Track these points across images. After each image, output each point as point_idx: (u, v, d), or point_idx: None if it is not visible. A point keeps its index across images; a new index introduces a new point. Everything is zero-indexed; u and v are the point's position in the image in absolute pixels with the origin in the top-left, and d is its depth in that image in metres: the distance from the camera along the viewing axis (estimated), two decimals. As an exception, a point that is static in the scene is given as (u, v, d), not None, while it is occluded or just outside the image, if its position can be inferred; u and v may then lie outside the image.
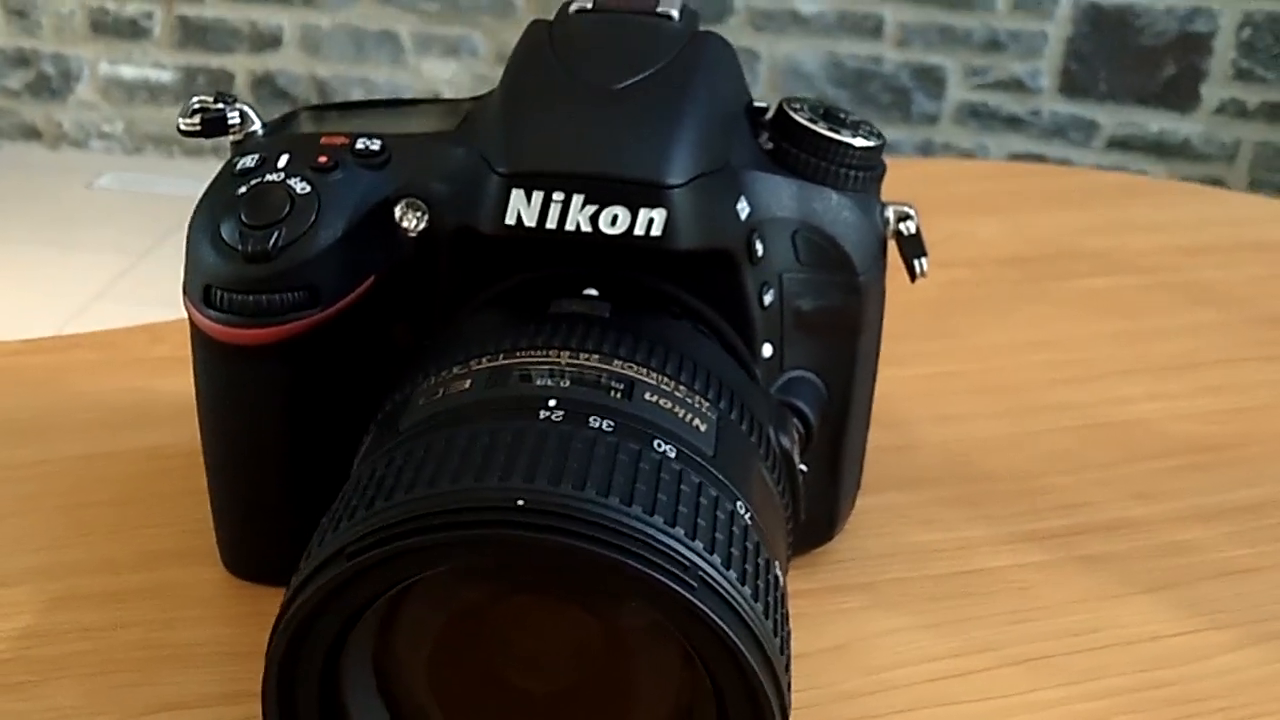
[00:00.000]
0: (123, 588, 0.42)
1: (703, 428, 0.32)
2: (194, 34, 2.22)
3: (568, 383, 0.32)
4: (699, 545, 0.28)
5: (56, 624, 0.41)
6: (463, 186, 0.37)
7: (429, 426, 0.31)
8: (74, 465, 0.48)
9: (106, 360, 0.54)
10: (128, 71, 2.26)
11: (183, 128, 0.40)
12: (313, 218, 0.37)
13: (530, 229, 0.36)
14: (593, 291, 0.37)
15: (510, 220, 0.36)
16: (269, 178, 0.38)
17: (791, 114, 0.40)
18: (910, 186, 0.73)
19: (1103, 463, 0.51)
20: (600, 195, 0.35)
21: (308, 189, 0.37)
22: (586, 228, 0.35)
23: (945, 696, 0.40)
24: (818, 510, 0.42)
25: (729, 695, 0.29)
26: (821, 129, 0.39)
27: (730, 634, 0.28)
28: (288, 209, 0.37)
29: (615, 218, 0.35)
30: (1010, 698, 0.40)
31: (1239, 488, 0.50)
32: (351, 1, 2.19)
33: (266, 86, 2.25)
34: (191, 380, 0.40)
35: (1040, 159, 2.13)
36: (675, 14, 0.39)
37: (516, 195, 0.36)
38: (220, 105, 0.40)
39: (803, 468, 0.38)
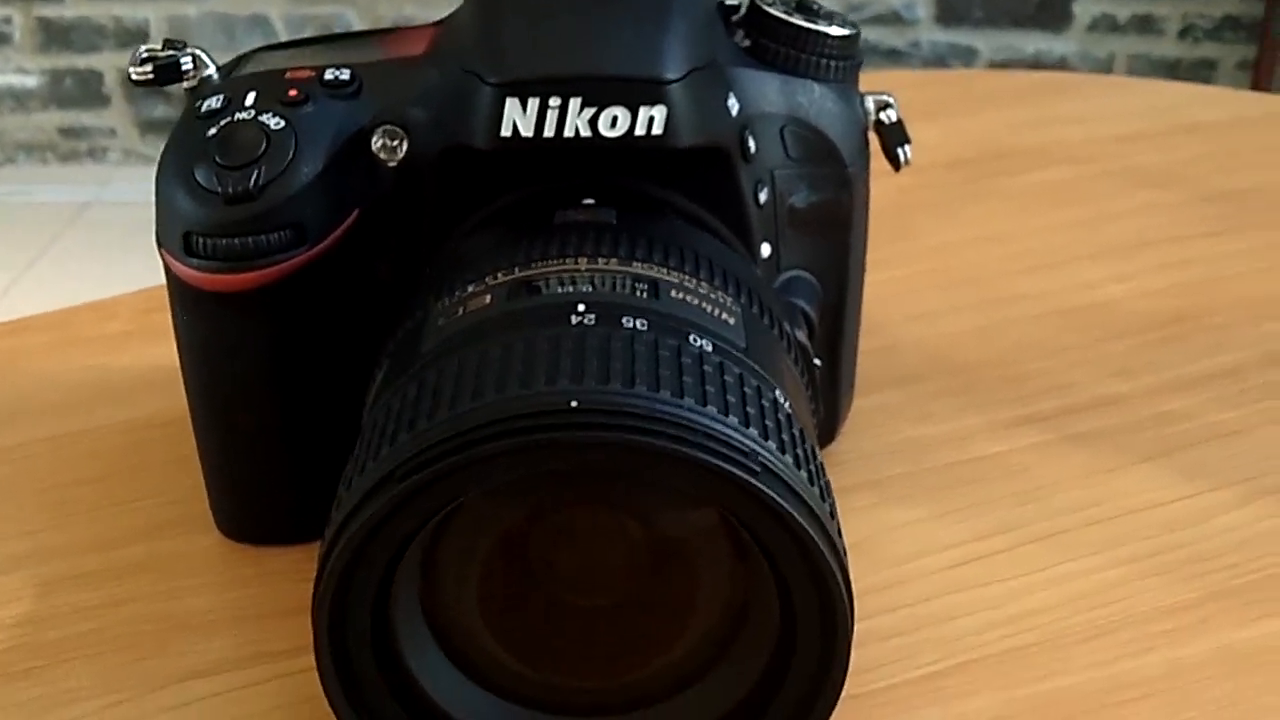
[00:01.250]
0: (118, 564, 0.41)
1: (731, 321, 0.32)
2: (57, 35, 2.14)
3: (590, 287, 0.31)
4: (754, 433, 0.28)
5: (55, 607, 0.39)
6: (446, 106, 0.36)
7: (456, 344, 0.30)
8: (47, 447, 0.46)
9: (60, 340, 0.51)
10: (-8, 79, 2.18)
11: (134, 77, 0.38)
12: (291, 153, 0.36)
13: (527, 139, 0.35)
14: (590, 201, 0.36)
15: (506, 132, 0.35)
16: (239, 116, 0.36)
17: (766, 9, 0.39)
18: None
19: (1077, 345, 0.51)
20: (598, 96, 0.34)
21: (281, 124, 0.36)
22: (586, 132, 0.35)
23: (970, 580, 0.40)
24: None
25: (794, 583, 0.29)
26: (799, 20, 0.39)
27: (797, 518, 0.28)
28: (264, 146, 0.36)
29: (615, 119, 0.34)
30: (1033, 574, 0.40)
31: (1212, 355, 0.50)
32: (217, -13, 2.13)
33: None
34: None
35: (924, 89, 2.15)
36: None
37: (511, 104, 0.34)
38: (170, 52, 0.39)
39: (817, 362, 0.37)
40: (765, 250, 0.39)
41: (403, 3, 2.13)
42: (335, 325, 0.38)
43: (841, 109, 0.40)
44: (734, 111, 0.37)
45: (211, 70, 0.39)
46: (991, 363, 0.50)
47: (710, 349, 0.30)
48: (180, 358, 0.39)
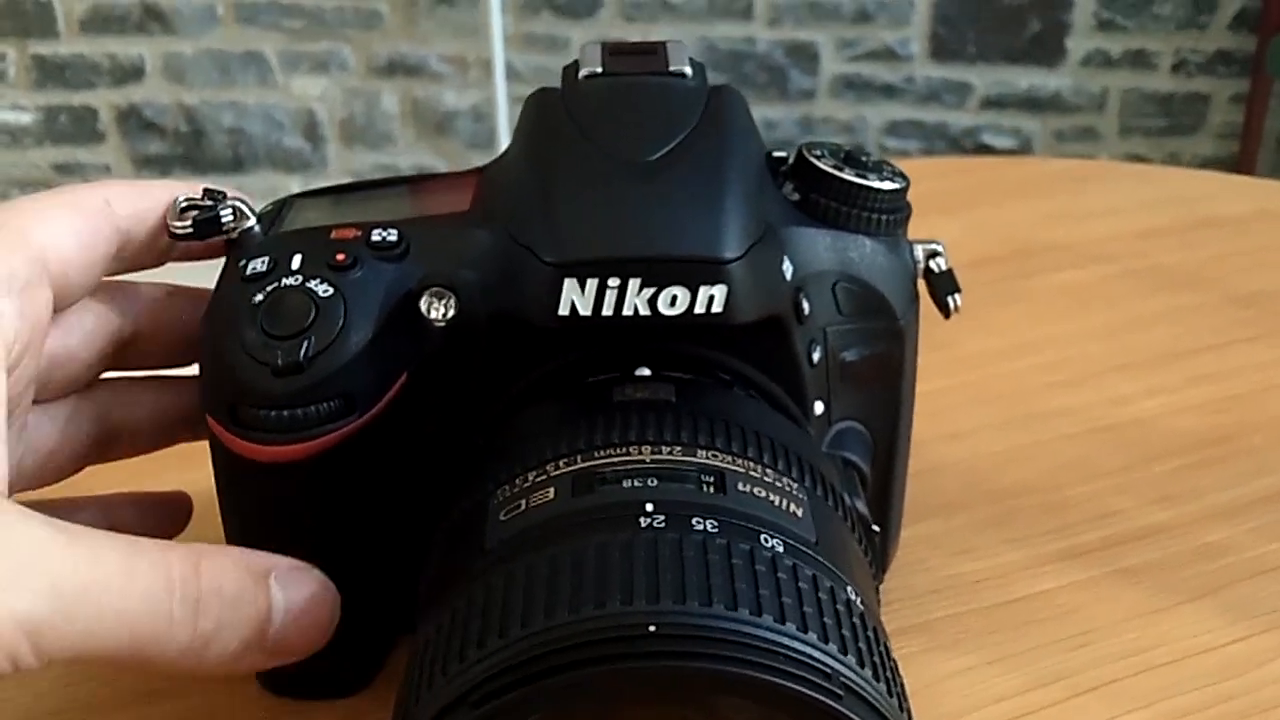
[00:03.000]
0: (157, 715, 0.40)
1: (800, 513, 0.31)
2: (52, 73, 2.14)
3: (656, 481, 0.31)
4: (833, 648, 0.27)
5: None
6: (497, 273, 0.36)
7: (521, 546, 0.30)
8: None
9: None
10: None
11: (174, 230, 0.37)
12: (340, 322, 0.35)
13: (585, 318, 0.34)
14: (645, 371, 0.36)
15: (564, 311, 0.34)
16: (286, 282, 0.35)
17: (815, 161, 0.39)
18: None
19: (1116, 468, 0.51)
20: (658, 277, 0.34)
21: (330, 291, 0.35)
22: (645, 311, 0.34)
23: (1025, 736, 0.39)
24: (869, 557, 0.41)
25: None
26: (848, 175, 0.39)
27: None
28: (313, 315, 0.35)
29: (674, 298, 0.34)
30: (1089, 730, 0.39)
31: (1252, 479, 0.50)
32: (212, 25, 2.12)
33: (133, 119, 2.17)
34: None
35: (918, 124, 2.16)
36: (688, 70, 0.38)
37: (569, 285, 0.34)
38: (210, 202, 0.38)
39: (876, 529, 0.37)
40: (819, 408, 0.39)
41: (398, 41, 2.13)
42: (382, 486, 0.37)
43: (891, 262, 0.39)
44: (788, 275, 0.37)
45: (252, 222, 0.38)
46: (1029, 488, 0.50)
47: (782, 549, 0.29)
48: (223, 519, 0.38)
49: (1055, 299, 0.63)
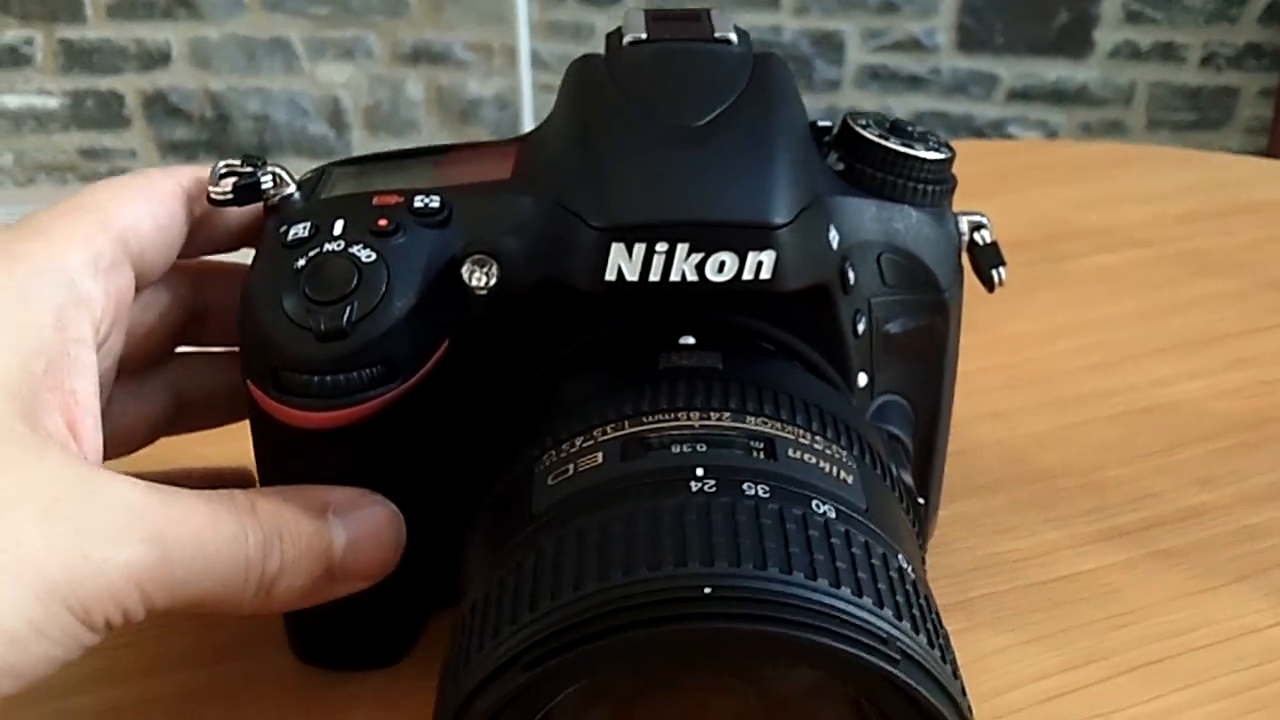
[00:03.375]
0: (193, 686, 0.40)
1: (850, 480, 0.31)
2: (78, 57, 2.14)
3: (705, 447, 0.30)
4: (888, 614, 0.27)
5: (129, 736, 0.38)
6: (542, 240, 0.35)
7: (571, 510, 0.29)
8: None
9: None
10: (12, 101, 2.17)
11: (214, 196, 0.37)
12: (383, 287, 0.35)
13: (632, 283, 0.34)
14: (690, 339, 0.36)
15: (610, 276, 0.34)
16: (328, 247, 0.35)
17: (860, 131, 0.38)
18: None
19: (1156, 449, 0.50)
20: (706, 242, 0.33)
21: (373, 256, 0.35)
22: (692, 276, 0.34)
23: (1066, 714, 0.39)
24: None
25: None
26: (894, 144, 0.38)
27: (935, 705, 0.27)
28: (356, 280, 0.34)
29: (723, 264, 0.34)
30: (1132, 708, 0.39)
31: (1293, 461, 0.50)
32: (239, 11, 2.12)
33: (159, 104, 2.18)
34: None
35: (944, 116, 2.15)
36: (733, 37, 0.37)
37: (617, 249, 0.34)
38: (251, 169, 0.38)
39: (920, 501, 0.36)
40: (862, 380, 0.38)
41: (423, 27, 2.13)
42: (422, 454, 0.37)
43: (937, 234, 0.39)
44: (835, 245, 0.36)
45: (292, 189, 0.38)
46: (1070, 469, 0.49)
47: (834, 515, 0.29)
48: (262, 485, 0.38)
49: (1090, 283, 0.63)
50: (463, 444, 0.37)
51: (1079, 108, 2.14)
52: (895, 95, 2.14)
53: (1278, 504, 0.47)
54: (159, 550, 0.29)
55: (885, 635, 0.27)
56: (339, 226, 0.36)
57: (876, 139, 0.38)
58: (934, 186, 0.39)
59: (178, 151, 2.20)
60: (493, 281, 0.36)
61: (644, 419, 0.32)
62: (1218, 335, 0.58)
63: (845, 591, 0.27)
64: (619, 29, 0.38)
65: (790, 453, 0.31)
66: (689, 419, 0.31)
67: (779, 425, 0.32)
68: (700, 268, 0.34)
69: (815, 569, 0.27)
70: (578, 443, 0.32)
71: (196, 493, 0.31)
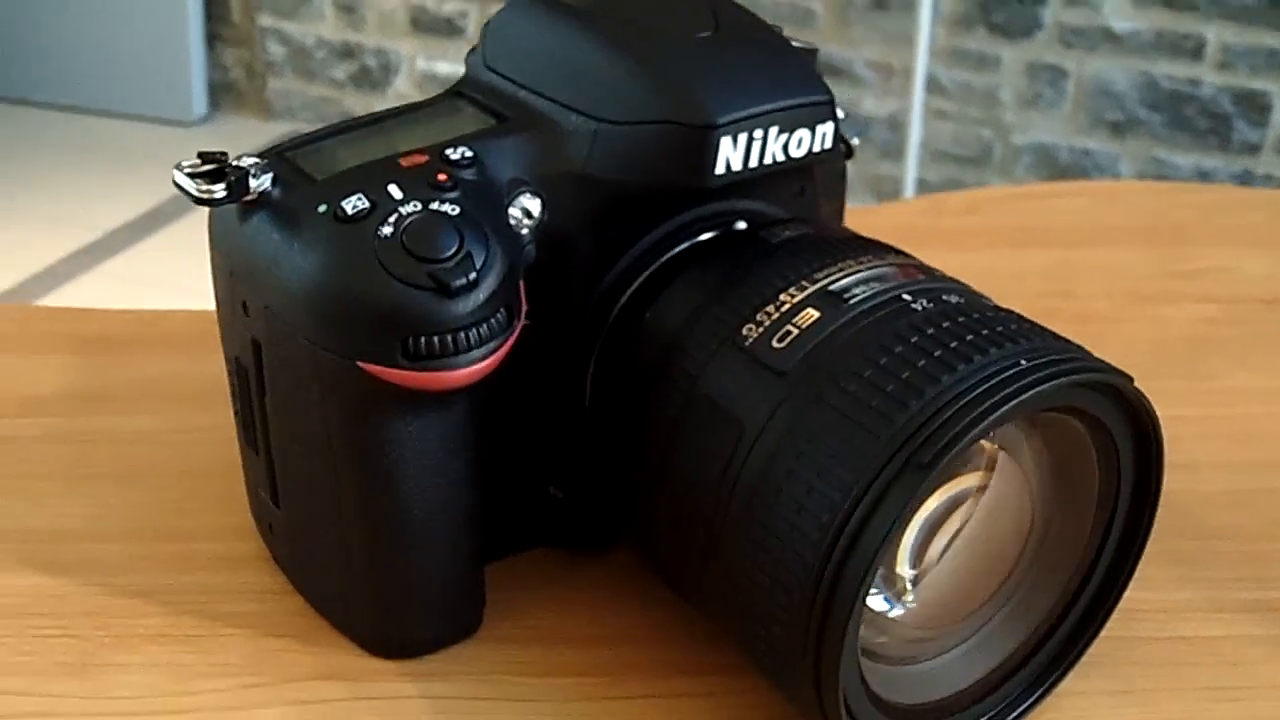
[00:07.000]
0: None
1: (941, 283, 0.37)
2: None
3: (882, 284, 0.35)
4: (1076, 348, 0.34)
5: (233, 582, 0.42)
6: (611, 156, 0.38)
7: (829, 355, 0.33)
8: (189, 436, 0.49)
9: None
10: (443, 67, 2.36)
11: (211, 198, 0.36)
12: (484, 235, 0.35)
13: (738, 171, 0.38)
14: (742, 225, 0.40)
15: (720, 170, 0.37)
16: (407, 209, 0.35)
17: None
18: (1184, 213, 0.68)
19: (1345, 537, 0.45)
20: (789, 123, 0.38)
21: (457, 210, 0.35)
22: (780, 157, 0.38)
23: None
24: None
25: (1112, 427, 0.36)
26: None
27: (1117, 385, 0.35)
28: (458, 233, 0.35)
29: (801, 140, 0.39)
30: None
31: None
32: None
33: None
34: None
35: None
36: None
37: (725, 143, 0.37)
38: (216, 164, 0.36)
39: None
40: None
41: (829, 40, 2.15)
42: (518, 398, 0.38)
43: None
44: (840, 115, 0.40)
45: (268, 177, 0.36)
46: (1237, 534, 0.45)
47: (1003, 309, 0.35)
48: (360, 473, 0.37)
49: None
50: (549, 377, 0.39)
51: None
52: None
53: None
54: None
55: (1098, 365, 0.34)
56: (396, 191, 0.35)
57: None
58: None
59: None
60: (543, 216, 0.38)
61: (815, 276, 0.36)
62: None
63: (1037, 342, 0.33)
64: None
65: (918, 275, 0.36)
66: (847, 267, 0.36)
67: (887, 265, 0.36)
68: (786, 147, 0.38)
69: (1042, 337, 0.34)
70: (777, 308, 0.35)
71: None
